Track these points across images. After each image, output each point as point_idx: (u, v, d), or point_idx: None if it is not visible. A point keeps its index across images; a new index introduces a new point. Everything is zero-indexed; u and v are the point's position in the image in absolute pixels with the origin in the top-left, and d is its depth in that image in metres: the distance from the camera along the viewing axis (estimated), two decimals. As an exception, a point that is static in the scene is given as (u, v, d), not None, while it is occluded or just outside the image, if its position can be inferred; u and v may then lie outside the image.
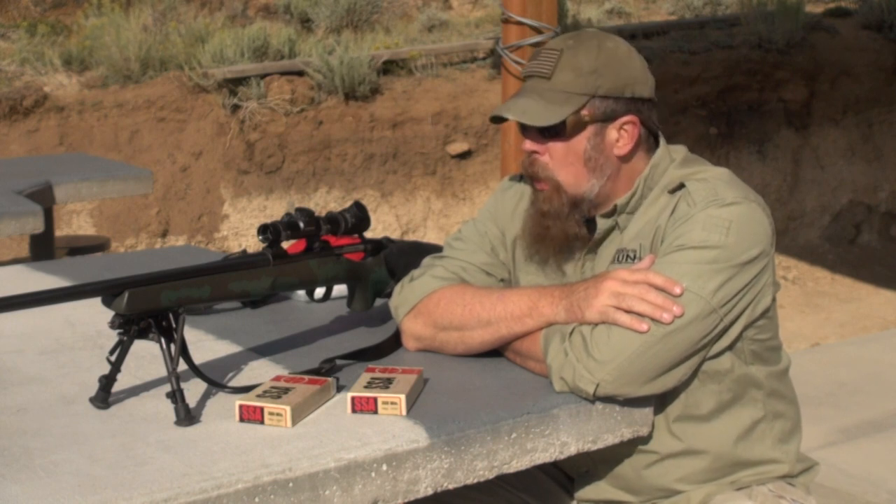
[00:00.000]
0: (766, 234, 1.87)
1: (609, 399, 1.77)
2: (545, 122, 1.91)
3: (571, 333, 1.79)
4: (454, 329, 1.93)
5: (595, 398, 1.76)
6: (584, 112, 1.92)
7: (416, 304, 1.98)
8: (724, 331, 1.84)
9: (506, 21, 4.95)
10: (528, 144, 1.96)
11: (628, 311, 1.76)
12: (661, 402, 1.88)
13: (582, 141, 1.93)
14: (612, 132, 1.94)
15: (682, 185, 1.91)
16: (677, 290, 1.77)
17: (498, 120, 2.00)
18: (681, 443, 1.92)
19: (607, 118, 1.93)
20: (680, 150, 2.02)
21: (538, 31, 4.85)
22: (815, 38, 8.51)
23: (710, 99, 8.03)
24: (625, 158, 1.96)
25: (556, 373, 1.78)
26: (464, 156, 7.53)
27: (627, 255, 1.93)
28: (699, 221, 1.84)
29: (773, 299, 1.92)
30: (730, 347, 1.87)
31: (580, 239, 1.98)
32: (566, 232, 1.96)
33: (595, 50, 1.94)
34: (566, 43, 1.95)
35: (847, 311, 6.74)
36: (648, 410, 1.83)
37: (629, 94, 1.94)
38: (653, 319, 1.75)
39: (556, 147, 1.93)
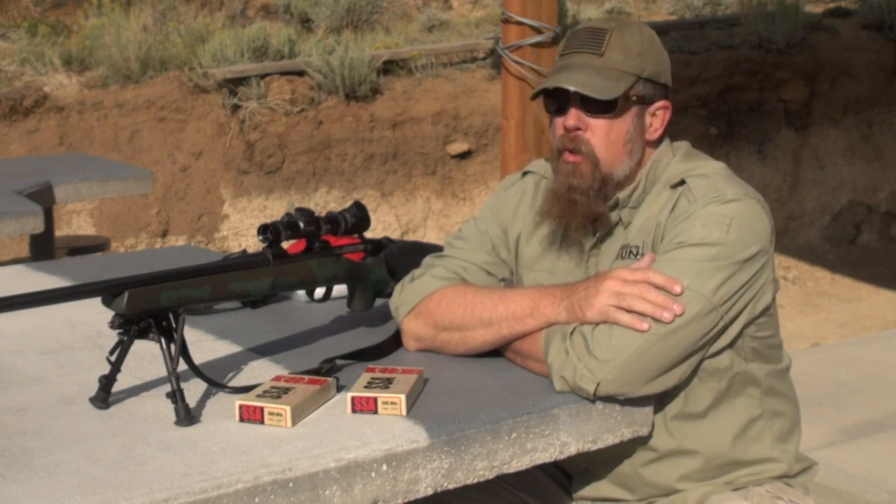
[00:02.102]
0: (766, 231, 1.87)
1: (609, 399, 1.77)
2: (606, 96, 1.91)
3: (572, 333, 1.79)
4: (455, 329, 1.93)
5: (596, 397, 1.76)
6: (632, 92, 1.93)
7: (417, 304, 1.98)
8: (725, 329, 1.84)
9: (506, 21, 4.95)
10: (573, 120, 1.94)
11: (629, 311, 1.76)
12: (660, 400, 1.88)
13: (626, 120, 1.94)
14: (647, 116, 1.97)
15: (682, 182, 1.91)
16: (677, 289, 1.77)
17: (536, 95, 1.98)
18: (679, 441, 1.92)
19: (647, 101, 1.96)
20: (682, 146, 2.03)
21: (538, 31, 4.85)
22: (815, 38, 8.51)
23: (710, 99, 8.03)
24: (651, 144, 1.99)
25: (557, 372, 1.78)
26: (464, 156, 7.53)
27: (630, 252, 1.93)
28: (699, 218, 1.84)
29: (774, 297, 1.92)
30: (730, 345, 1.87)
31: (602, 219, 1.96)
32: (592, 209, 1.95)
33: (639, 33, 1.97)
34: (609, 24, 1.97)
35: (847, 311, 6.74)
36: (648, 410, 1.83)
37: (663, 80, 1.98)
38: (653, 318, 1.75)
39: (601, 124, 1.93)
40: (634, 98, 1.94)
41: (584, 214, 1.95)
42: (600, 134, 1.94)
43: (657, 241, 1.89)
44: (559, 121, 1.97)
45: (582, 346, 1.77)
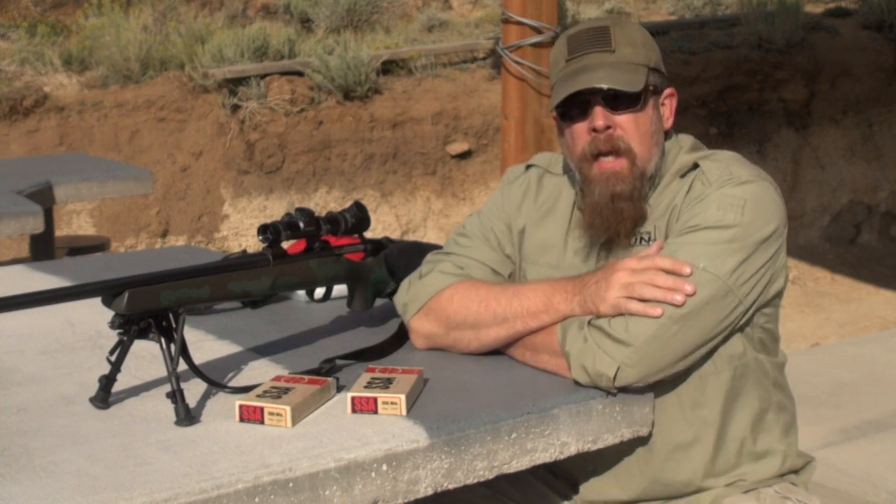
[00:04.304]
0: (780, 211, 1.88)
1: (610, 396, 1.77)
2: (635, 88, 1.88)
3: (590, 322, 1.79)
4: (468, 327, 1.91)
5: (615, 385, 1.75)
6: (648, 83, 1.92)
7: (427, 301, 1.96)
8: (745, 312, 1.83)
9: (506, 21, 4.95)
10: (602, 119, 1.88)
11: (641, 300, 1.76)
12: (675, 390, 1.87)
13: (649, 112, 1.92)
14: (661, 105, 1.96)
15: (695, 166, 1.91)
16: (686, 271, 1.76)
17: (560, 104, 1.90)
18: (693, 431, 1.90)
19: (658, 91, 1.95)
20: (687, 138, 2.02)
21: (538, 31, 4.85)
22: (815, 38, 8.51)
23: (710, 99, 8.03)
24: (666, 135, 1.97)
25: (576, 359, 1.77)
26: (464, 156, 7.53)
27: (642, 238, 1.92)
28: (714, 201, 1.84)
29: (785, 284, 1.91)
30: (741, 329, 1.87)
31: (644, 219, 1.92)
32: (639, 212, 1.90)
33: (635, 26, 1.96)
34: (607, 21, 1.95)
35: (847, 311, 6.74)
36: (648, 410, 1.83)
37: (663, 69, 1.97)
38: (666, 303, 1.75)
39: (629, 119, 1.90)
40: (651, 88, 1.93)
41: (633, 219, 1.90)
42: (630, 129, 1.90)
43: (672, 224, 1.89)
44: (581, 126, 1.91)
45: (600, 333, 1.77)
